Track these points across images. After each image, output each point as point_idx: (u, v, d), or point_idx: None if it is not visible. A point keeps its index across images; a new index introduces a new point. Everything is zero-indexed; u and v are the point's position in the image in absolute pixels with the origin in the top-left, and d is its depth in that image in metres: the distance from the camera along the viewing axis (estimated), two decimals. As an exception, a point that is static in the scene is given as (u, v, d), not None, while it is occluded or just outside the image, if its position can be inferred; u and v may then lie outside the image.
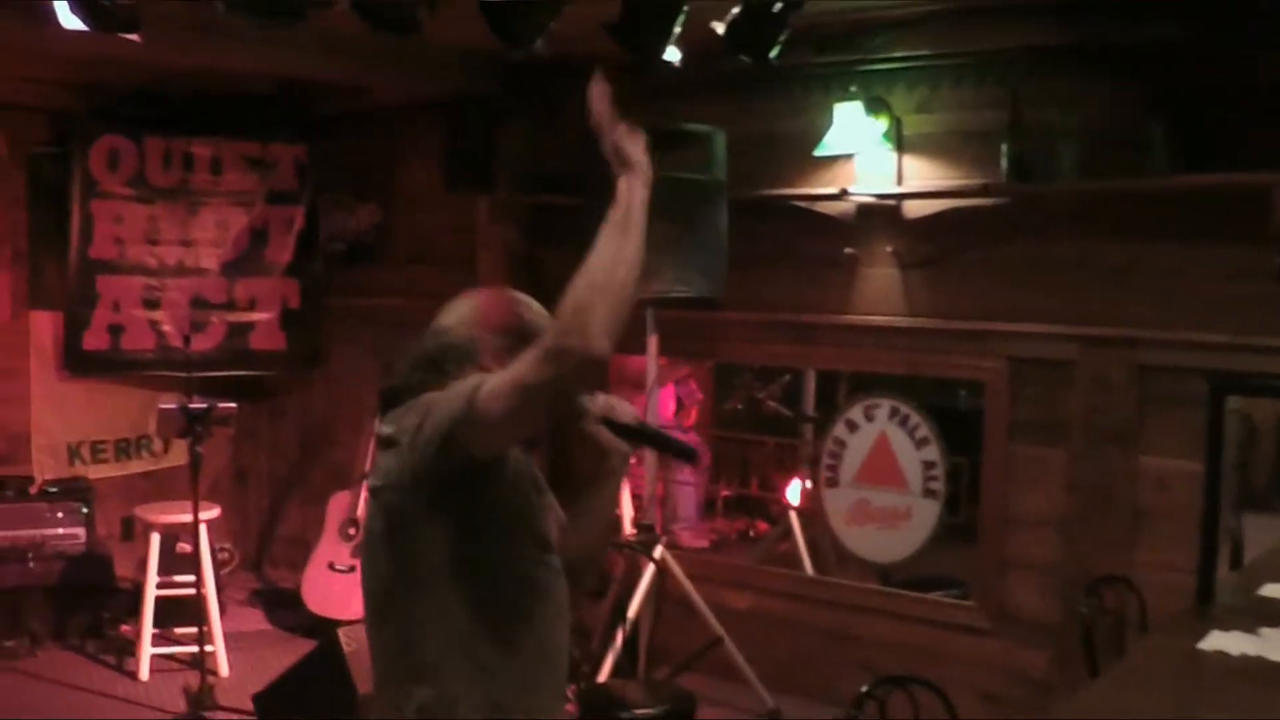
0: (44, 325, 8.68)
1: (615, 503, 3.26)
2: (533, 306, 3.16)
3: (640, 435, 3.14)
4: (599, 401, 3.06)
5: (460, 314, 3.13)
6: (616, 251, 2.75)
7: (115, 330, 8.68)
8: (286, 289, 9.08)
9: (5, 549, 7.90)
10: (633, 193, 2.81)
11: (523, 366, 2.64)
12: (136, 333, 8.73)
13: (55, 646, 7.93)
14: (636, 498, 8.86)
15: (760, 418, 9.48)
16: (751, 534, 9.82)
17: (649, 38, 5.00)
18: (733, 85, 7.04)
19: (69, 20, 4.79)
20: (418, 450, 2.80)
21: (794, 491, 9.19)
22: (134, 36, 4.87)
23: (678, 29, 4.98)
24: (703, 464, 9.35)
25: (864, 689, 4.15)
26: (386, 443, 2.95)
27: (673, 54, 5.08)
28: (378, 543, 2.95)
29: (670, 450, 3.39)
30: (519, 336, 2.96)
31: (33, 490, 8.23)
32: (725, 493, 9.87)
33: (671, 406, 9.25)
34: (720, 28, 5.10)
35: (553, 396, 2.68)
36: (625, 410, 3.09)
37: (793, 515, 8.14)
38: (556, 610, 3.05)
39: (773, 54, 5.16)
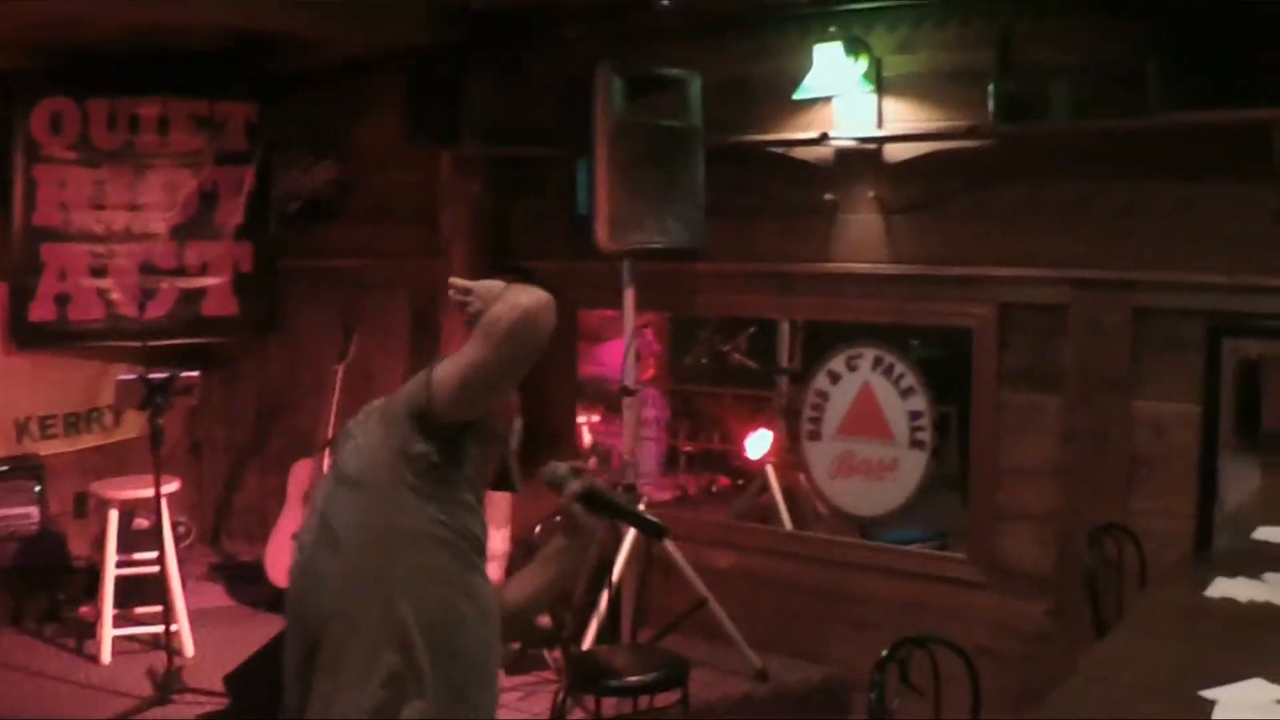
0: (-14, 297, 8.32)
1: (572, 575, 3.38)
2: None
3: (613, 510, 3.23)
4: (581, 479, 3.18)
5: None
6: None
7: (62, 300, 8.34)
8: (238, 252, 8.82)
9: (-44, 532, 7.62)
10: None
11: (469, 347, 2.89)
12: (84, 302, 8.41)
13: (11, 631, 7.65)
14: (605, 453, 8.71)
15: (725, 371, 9.29)
16: (714, 489, 9.64)
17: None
18: (706, 28, 6.86)
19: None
20: (387, 421, 2.98)
21: (756, 445, 9.01)
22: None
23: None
24: (662, 418, 9.18)
25: (884, 653, 3.98)
26: (347, 434, 3.11)
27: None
28: (352, 515, 2.98)
29: (641, 527, 3.57)
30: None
31: (-20, 468, 7.94)
32: (688, 448, 9.67)
33: (629, 359, 9.05)
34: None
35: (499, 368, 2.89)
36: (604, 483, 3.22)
37: (769, 470, 7.95)
38: (484, 611, 3.11)
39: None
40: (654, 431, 9.01)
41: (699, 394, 9.66)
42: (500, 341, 2.83)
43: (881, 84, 6.47)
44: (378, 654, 2.89)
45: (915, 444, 6.60)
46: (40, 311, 8.29)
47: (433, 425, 2.93)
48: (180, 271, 8.66)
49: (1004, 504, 6.29)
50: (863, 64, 6.40)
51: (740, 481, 9.41)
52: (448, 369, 2.90)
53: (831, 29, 6.45)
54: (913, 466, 6.61)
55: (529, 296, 2.85)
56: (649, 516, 3.42)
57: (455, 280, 3.12)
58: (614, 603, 6.48)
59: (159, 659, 6.80)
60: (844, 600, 6.78)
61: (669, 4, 4.89)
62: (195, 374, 6.96)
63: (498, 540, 7.44)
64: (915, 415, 6.59)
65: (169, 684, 6.55)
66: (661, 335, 9.25)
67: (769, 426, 8.97)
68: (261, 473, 9.31)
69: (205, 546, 9.28)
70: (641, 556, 6.37)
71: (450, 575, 2.98)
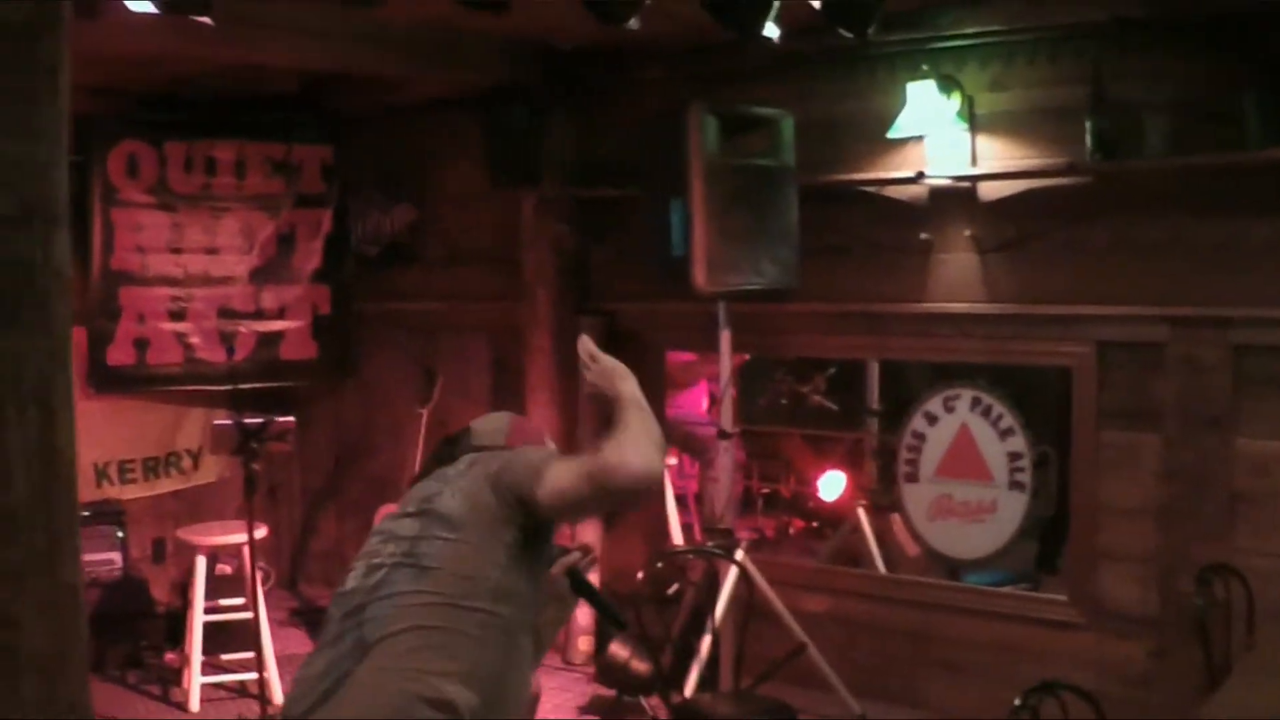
0: (66, 341, 8.25)
1: (543, 649, 3.48)
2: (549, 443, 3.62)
3: (586, 593, 3.42)
4: (574, 556, 3.41)
5: (495, 427, 3.58)
6: (644, 421, 3.23)
7: (140, 344, 8.33)
8: (316, 295, 8.82)
9: (37, 577, 7.53)
10: (632, 401, 3.29)
11: (576, 477, 3.13)
12: (162, 346, 8.39)
13: (95, 679, 7.43)
14: (685, 499, 8.65)
15: (802, 412, 9.25)
16: (790, 531, 9.61)
17: (748, 13, 4.73)
18: (792, 68, 6.81)
19: (137, 3, 4.55)
20: (496, 485, 3.18)
21: (830, 486, 8.97)
22: (206, 20, 4.62)
23: (777, 2, 4.73)
24: (738, 460, 9.12)
25: (1016, 702, 3.93)
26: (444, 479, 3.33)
27: (771, 30, 4.81)
28: (445, 550, 3.11)
29: (607, 616, 3.55)
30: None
31: (64, 514, 7.86)
32: (765, 489, 9.64)
33: (705, 403, 9.04)
34: (817, 2, 4.85)
35: (596, 506, 3.39)
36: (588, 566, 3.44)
37: (861, 511, 7.89)
38: (522, 682, 3.31)
39: (872, 28, 4.91)
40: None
41: (770, 435, 9.62)
42: (602, 490, 3.07)
43: (974, 122, 6.42)
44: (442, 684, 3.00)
45: (1015, 485, 6.52)
46: (118, 355, 8.27)
47: (531, 512, 3.16)
48: (258, 315, 8.65)
49: (1104, 544, 6.21)
50: (955, 102, 6.35)
51: (815, 524, 9.38)
52: (558, 476, 3.12)
53: (924, 67, 6.41)
54: (1012, 508, 6.54)
55: (643, 460, 3.06)
56: (614, 609, 3.53)
57: (586, 342, 3.40)
58: (712, 649, 6.39)
59: (247, 706, 6.76)
60: (939, 644, 6.70)
61: (776, 42, 4.81)
62: (290, 419, 6.90)
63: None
64: (1014, 456, 6.52)
65: (263, 731, 6.48)
66: (733, 375, 9.20)
67: (843, 468, 8.94)
68: (338, 518, 9.28)
69: (284, 592, 9.23)
70: (742, 602, 6.27)
71: (511, 631, 3.14)
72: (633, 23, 4.59)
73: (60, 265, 1.60)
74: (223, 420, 6.79)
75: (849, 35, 4.87)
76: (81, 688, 1.67)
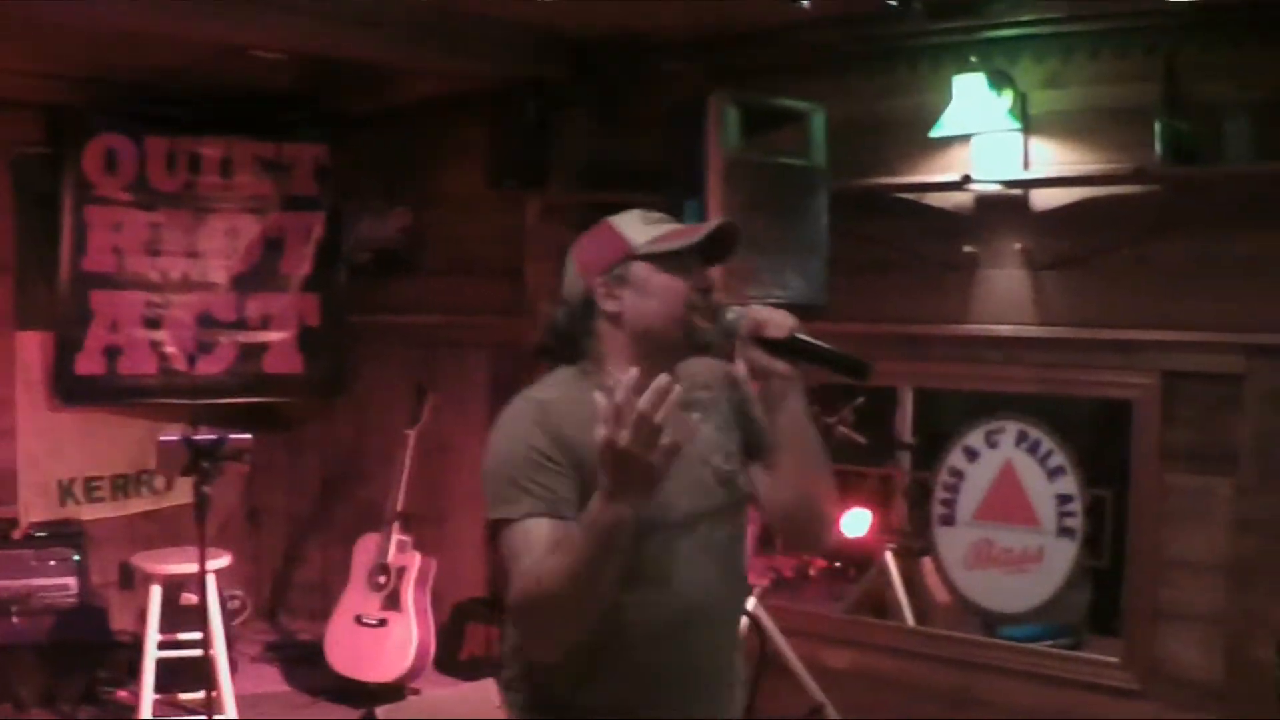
0: (32, 348, 7.73)
1: (801, 431, 2.91)
2: (631, 221, 2.89)
3: (796, 350, 2.74)
4: (748, 318, 2.77)
5: (569, 271, 2.97)
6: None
7: (112, 352, 7.80)
8: (304, 305, 8.22)
9: (-13, 602, 7.06)
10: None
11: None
12: (136, 355, 7.86)
13: (43, 713, 7.06)
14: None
15: (829, 445, 8.61)
16: (811, 572, 8.97)
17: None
18: (827, 61, 6.27)
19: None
20: None
21: (853, 524, 8.34)
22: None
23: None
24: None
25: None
26: None
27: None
28: None
29: (835, 366, 2.77)
30: (623, 260, 2.84)
31: (17, 535, 7.38)
32: (784, 529, 8.98)
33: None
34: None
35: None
36: (779, 322, 2.76)
37: (889, 556, 7.22)
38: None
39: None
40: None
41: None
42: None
43: (1028, 122, 5.82)
44: None
45: (1063, 532, 5.91)
46: (88, 364, 7.76)
47: None
48: (240, 325, 8.10)
49: (1166, 601, 5.60)
50: (1007, 99, 5.74)
51: (838, 564, 8.75)
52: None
53: (972, 60, 5.80)
54: (1060, 557, 5.92)
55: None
56: (843, 352, 2.77)
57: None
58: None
59: (203, 752, 6.16)
60: (977, 706, 6.08)
61: (807, 6, 4.20)
62: (247, 437, 6.36)
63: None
64: (1064, 499, 5.90)
65: (210, 782, 5.87)
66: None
67: (871, 506, 8.30)
68: (325, 547, 8.72)
69: (262, 623, 8.64)
70: (753, 655, 5.67)
71: None
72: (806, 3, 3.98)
73: None
74: (169, 436, 6.21)
75: (892, 5, 4.23)
76: None
